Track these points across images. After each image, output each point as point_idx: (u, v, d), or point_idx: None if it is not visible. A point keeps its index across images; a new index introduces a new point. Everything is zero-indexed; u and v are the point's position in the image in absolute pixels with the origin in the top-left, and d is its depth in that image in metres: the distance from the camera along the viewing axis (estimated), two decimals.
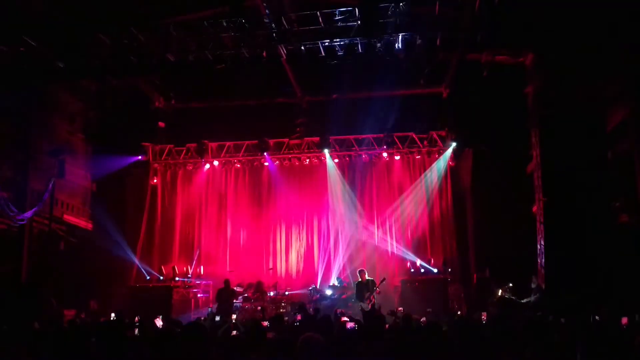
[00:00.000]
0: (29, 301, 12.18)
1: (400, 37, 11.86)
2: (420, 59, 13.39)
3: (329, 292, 15.45)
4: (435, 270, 15.51)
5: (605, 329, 5.42)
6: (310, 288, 15.83)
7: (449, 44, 12.07)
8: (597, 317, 7.01)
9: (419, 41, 11.95)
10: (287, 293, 15.57)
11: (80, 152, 16.54)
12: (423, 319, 9.52)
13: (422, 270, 15.54)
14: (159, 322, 9.08)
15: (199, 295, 16.32)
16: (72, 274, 14.49)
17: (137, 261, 16.61)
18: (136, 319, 9.31)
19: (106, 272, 15.55)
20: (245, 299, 15.03)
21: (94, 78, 15.06)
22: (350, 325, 7.44)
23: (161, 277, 15.97)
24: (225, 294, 14.12)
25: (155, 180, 17.97)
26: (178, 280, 15.75)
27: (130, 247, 16.50)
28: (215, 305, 13.76)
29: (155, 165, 17.94)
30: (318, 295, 15.39)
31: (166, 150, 17.84)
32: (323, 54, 12.45)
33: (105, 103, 16.03)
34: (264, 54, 12.56)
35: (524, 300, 12.53)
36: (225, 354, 4.64)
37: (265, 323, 8.27)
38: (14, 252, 13.85)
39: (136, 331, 8.15)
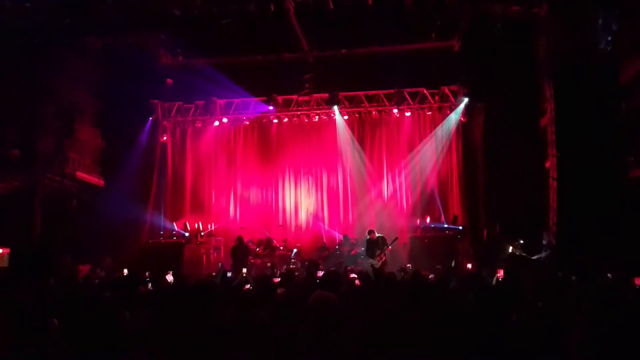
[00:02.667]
0: (44, 258, 12.35)
1: None
2: (431, 11, 13.05)
3: (337, 248, 15.55)
4: (445, 226, 15.54)
5: (618, 288, 5.40)
6: (320, 245, 15.97)
7: None
8: (609, 275, 6.97)
9: None
10: (295, 250, 15.68)
11: (88, 110, 16.48)
12: (431, 275, 9.54)
13: (432, 226, 15.56)
14: (169, 278, 9.22)
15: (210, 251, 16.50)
16: (85, 231, 14.64)
17: (149, 217, 16.78)
18: (146, 274, 9.44)
19: (119, 228, 15.69)
20: (255, 255, 15.18)
21: (98, 35, 14.86)
22: (359, 282, 7.49)
23: (186, 233, 16.07)
24: (239, 251, 14.26)
25: (164, 138, 17.95)
26: (189, 236, 15.93)
27: (141, 203, 16.63)
28: (231, 263, 13.93)
29: (165, 122, 17.89)
30: (327, 252, 15.52)
31: (175, 108, 17.75)
32: (332, 7, 12.16)
33: (112, 60, 15.85)
34: (271, 7, 12.29)
35: (535, 257, 12.53)
36: (235, 310, 4.68)
37: (276, 280, 8.34)
38: (27, 210, 13.98)
39: (149, 286, 8.26)
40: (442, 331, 4.11)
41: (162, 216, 17.09)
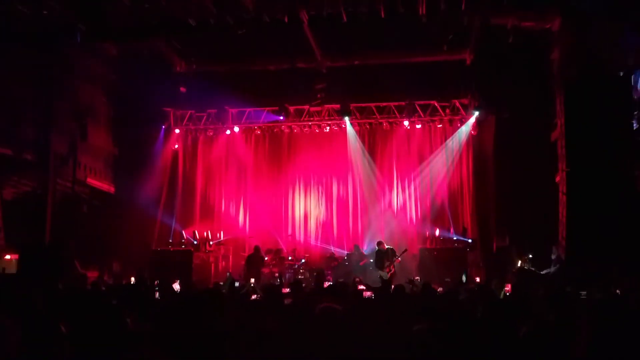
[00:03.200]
0: (53, 262, 12.42)
1: (424, 0, 11.58)
2: (444, 24, 13.09)
3: (346, 259, 15.52)
4: (455, 238, 15.48)
5: (627, 305, 5.34)
6: (328, 255, 15.96)
7: (474, 8, 11.75)
8: (618, 292, 6.90)
9: (443, 5, 11.67)
10: (303, 261, 15.67)
11: (102, 116, 16.64)
12: (440, 289, 9.50)
13: (442, 238, 15.50)
14: (176, 286, 9.24)
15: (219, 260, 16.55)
16: (95, 237, 14.73)
17: (159, 224, 16.85)
18: (156, 282, 9.47)
19: (128, 235, 15.76)
20: (264, 265, 15.18)
21: (115, 40, 15.03)
22: (367, 293, 7.47)
23: (195, 241, 16.15)
24: (255, 261, 14.28)
25: (176, 146, 18.05)
26: (198, 244, 15.98)
27: (151, 210, 16.71)
28: (244, 271, 13.95)
29: (177, 130, 17.98)
30: (336, 262, 15.50)
31: (187, 116, 17.84)
32: (345, 19, 12.23)
33: (127, 66, 16.02)
34: (285, 18, 12.38)
35: (544, 272, 12.44)
36: (242, 318, 4.68)
37: (285, 290, 8.34)
38: (38, 214, 14.08)
39: (157, 294, 8.29)
40: (450, 344, 4.08)
41: (172, 224, 17.14)
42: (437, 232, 15.63)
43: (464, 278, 9.96)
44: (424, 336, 4.05)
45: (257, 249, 14.75)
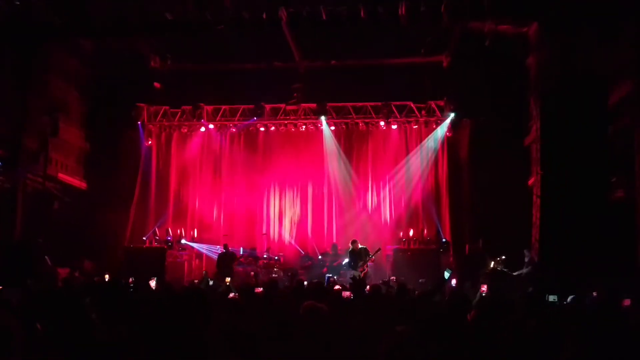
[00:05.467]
0: (23, 259, 12.15)
1: (404, 3, 11.66)
2: (422, 27, 13.19)
3: (320, 258, 15.52)
4: (428, 240, 15.62)
5: (603, 309, 5.44)
6: (302, 255, 15.95)
7: (453, 12, 11.87)
8: (594, 294, 7.04)
9: (422, 8, 11.76)
10: (277, 258, 15.64)
11: (75, 111, 16.34)
12: (417, 292, 9.55)
13: (415, 239, 15.62)
14: (152, 284, 9.12)
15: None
16: (66, 233, 14.46)
17: (131, 221, 16.61)
18: (130, 280, 9.34)
19: (100, 232, 15.52)
20: (238, 264, 15.09)
21: (90, 37, 14.77)
22: (346, 293, 7.48)
23: (169, 239, 16.00)
24: (225, 259, 14.19)
25: (149, 142, 17.78)
26: (171, 242, 15.83)
27: (124, 207, 16.46)
28: (215, 270, 13.86)
29: (150, 126, 17.70)
30: (310, 262, 15.49)
31: (161, 112, 17.57)
32: (324, 18, 12.23)
33: (102, 62, 15.76)
34: (264, 16, 12.33)
35: (516, 273, 12.63)
36: (224, 318, 4.65)
37: (259, 289, 8.29)
38: (8, 210, 13.77)
39: (130, 292, 8.17)
40: (431, 346, 4.11)
41: (145, 221, 16.90)
42: (411, 233, 15.74)
43: (446, 274, 10.03)
44: (406, 337, 4.06)
45: (225, 247, 14.69)
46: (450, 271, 9.91)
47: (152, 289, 8.54)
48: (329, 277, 12.15)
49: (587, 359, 3.43)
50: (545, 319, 4.88)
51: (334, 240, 16.37)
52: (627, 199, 11.57)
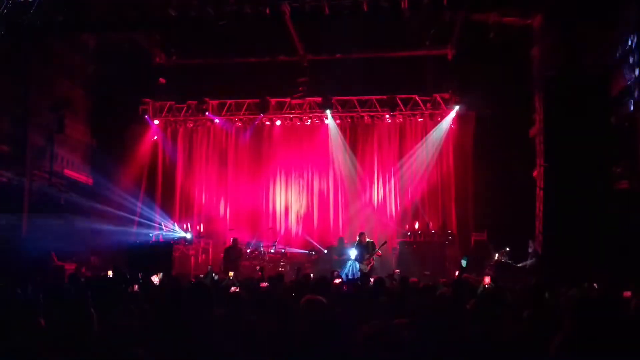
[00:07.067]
0: (30, 254, 12.26)
1: None
2: (426, 19, 13.15)
3: (327, 252, 15.55)
4: (434, 232, 15.63)
5: (604, 299, 5.44)
6: (309, 248, 15.99)
7: (456, 3, 11.83)
8: (595, 285, 7.04)
9: (425, 0, 11.72)
10: (283, 251, 15.69)
11: (80, 108, 16.42)
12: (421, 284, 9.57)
13: (421, 232, 15.62)
14: (155, 279, 9.16)
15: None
16: (73, 229, 14.55)
17: (138, 217, 16.70)
18: (139, 275, 9.40)
19: (106, 227, 15.60)
20: (244, 258, 15.16)
21: (94, 32, 14.82)
22: (346, 287, 7.51)
23: (175, 234, 16.09)
24: (233, 253, 14.25)
25: (155, 137, 17.86)
26: (178, 237, 15.93)
27: (130, 203, 16.54)
28: (223, 264, 13.93)
29: (156, 121, 17.74)
30: (317, 256, 15.53)
31: (166, 107, 17.63)
32: (327, 11, 12.21)
33: (105, 58, 15.81)
34: (267, 10, 12.33)
35: (520, 264, 12.63)
36: (226, 312, 4.69)
37: (264, 284, 8.33)
38: (15, 206, 13.88)
39: (135, 287, 8.23)
40: (428, 339, 4.13)
41: (151, 216, 16.99)
42: (417, 226, 15.75)
43: (464, 263, 9.99)
44: (403, 330, 4.09)
45: (234, 241, 14.73)
46: (467, 258, 9.85)
47: (154, 284, 8.58)
48: (334, 272, 12.18)
49: (581, 343, 3.44)
50: (544, 308, 4.90)
51: (340, 234, 16.41)
52: (631, 189, 11.52)
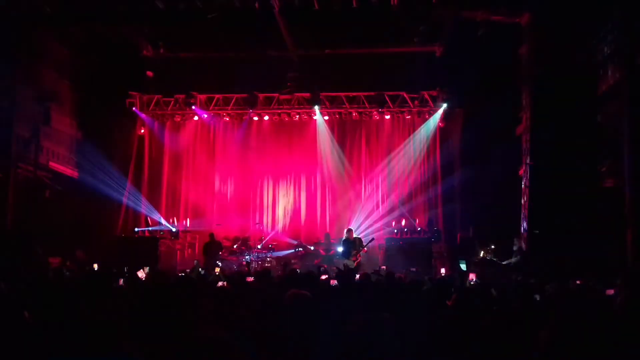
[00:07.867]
0: (14, 248, 12.14)
1: None
2: (415, 16, 13.18)
3: (313, 248, 15.58)
4: (420, 229, 15.71)
5: (586, 295, 5.51)
6: (295, 244, 16.00)
7: (445, 0, 11.87)
8: (578, 282, 7.11)
9: None
10: (270, 247, 15.70)
11: (66, 100, 16.28)
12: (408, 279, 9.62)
13: (407, 229, 15.69)
14: (141, 274, 9.09)
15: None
16: (58, 222, 14.44)
17: (124, 211, 16.62)
18: (125, 269, 9.35)
19: (92, 221, 15.51)
20: (231, 252, 15.14)
21: (81, 25, 14.67)
22: (333, 282, 7.53)
23: (161, 228, 16.01)
24: (212, 248, 14.24)
25: (142, 131, 17.74)
26: (164, 231, 15.86)
27: (116, 197, 16.44)
28: (203, 259, 13.90)
29: (143, 115, 17.60)
30: (304, 252, 15.55)
31: (154, 101, 17.50)
32: (317, 7, 12.20)
33: (93, 50, 15.66)
34: (257, 4, 12.29)
35: (505, 262, 12.73)
36: (214, 307, 4.68)
37: (250, 278, 8.32)
38: None
39: (121, 282, 8.17)
40: (416, 332, 4.15)
41: (137, 210, 16.91)
42: (404, 222, 15.81)
43: (463, 267, 10.02)
44: (390, 324, 4.11)
45: (212, 236, 14.78)
46: (464, 261, 9.91)
47: (139, 278, 8.52)
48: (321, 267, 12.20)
49: (565, 340, 3.48)
50: (527, 305, 4.95)
51: (327, 229, 16.46)
52: (616, 188, 11.65)
